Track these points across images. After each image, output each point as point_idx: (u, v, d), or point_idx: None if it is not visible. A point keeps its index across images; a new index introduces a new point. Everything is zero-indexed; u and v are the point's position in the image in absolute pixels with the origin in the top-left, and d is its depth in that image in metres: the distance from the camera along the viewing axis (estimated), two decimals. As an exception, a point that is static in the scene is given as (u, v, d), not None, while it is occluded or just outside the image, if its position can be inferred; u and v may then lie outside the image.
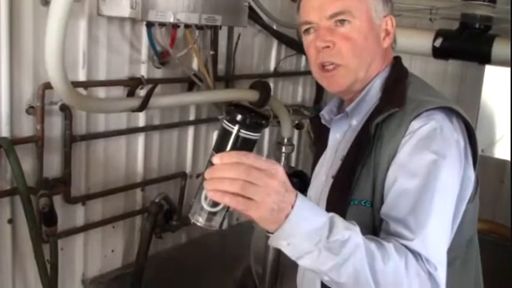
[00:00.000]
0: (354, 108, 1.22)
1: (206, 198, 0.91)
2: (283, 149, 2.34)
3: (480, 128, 2.00)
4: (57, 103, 1.64)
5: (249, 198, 0.86)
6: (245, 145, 0.91)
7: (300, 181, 2.23)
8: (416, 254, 1.00)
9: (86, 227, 1.83)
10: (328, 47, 1.16)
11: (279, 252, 0.99)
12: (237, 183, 0.86)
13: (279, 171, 0.88)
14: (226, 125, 0.92)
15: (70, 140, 1.69)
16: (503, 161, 2.17)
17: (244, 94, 2.12)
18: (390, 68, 1.23)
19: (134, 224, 2.02)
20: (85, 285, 1.86)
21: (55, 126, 1.68)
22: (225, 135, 0.92)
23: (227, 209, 0.91)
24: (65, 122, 1.67)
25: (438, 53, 2.21)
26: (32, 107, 1.59)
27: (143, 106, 1.71)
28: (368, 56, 1.19)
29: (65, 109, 1.66)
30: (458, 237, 1.13)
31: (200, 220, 0.93)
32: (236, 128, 0.91)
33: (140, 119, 1.94)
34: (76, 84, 1.63)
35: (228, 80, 2.24)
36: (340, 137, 1.25)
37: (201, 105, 2.17)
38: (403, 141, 1.09)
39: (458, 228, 1.13)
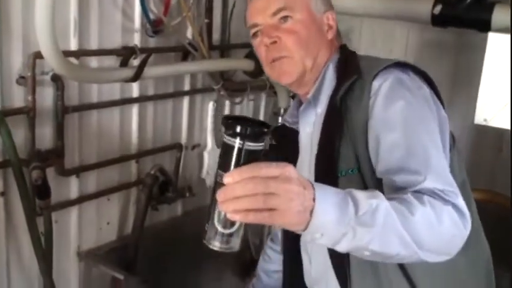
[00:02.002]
0: (315, 94, 1.26)
1: (220, 220, 0.88)
2: (280, 120, 2.31)
3: (482, 98, 1.98)
4: (48, 73, 1.60)
5: (272, 209, 0.82)
6: (251, 157, 0.88)
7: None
8: (434, 192, 1.00)
9: (81, 200, 1.80)
10: (275, 42, 1.22)
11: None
12: (258, 198, 0.81)
13: (292, 172, 0.84)
14: (228, 139, 0.88)
15: (62, 111, 1.65)
16: (502, 130, 2.15)
17: (239, 63, 2.09)
18: (339, 52, 1.30)
19: (129, 196, 1.99)
20: (80, 257, 1.85)
21: (47, 97, 1.64)
22: (227, 150, 0.89)
23: (243, 226, 0.89)
24: (57, 93, 1.63)
25: (437, 20, 2.17)
26: (22, 77, 1.55)
27: (136, 76, 1.67)
28: (314, 47, 1.25)
29: (56, 79, 1.61)
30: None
31: (217, 245, 0.90)
32: (238, 141, 0.88)
33: (134, 90, 1.90)
34: (68, 53, 1.59)
35: (223, 49, 2.19)
36: (310, 129, 1.29)
37: (195, 74, 2.13)
38: (371, 103, 1.14)
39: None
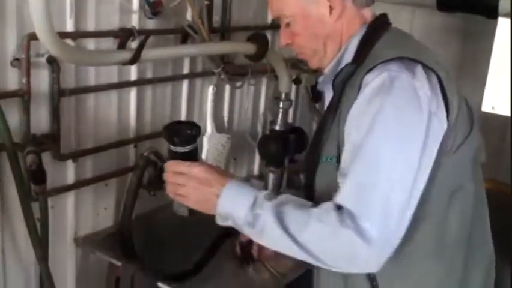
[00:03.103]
0: (331, 70, 1.30)
1: None
2: (281, 105, 2.25)
3: (490, 85, 1.94)
4: (44, 55, 1.55)
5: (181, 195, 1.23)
6: (185, 156, 1.25)
7: (297, 138, 2.18)
8: (351, 212, 1.07)
9: (77, 185, 1.77)
10: (288, 44, 1.34)
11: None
12: (171, 185, 1.27)
13: (197, 173, 1.21)
14: (169, 146, 1.27)
15: (58, 94, 1.60)
16: (506, 118, 2.11)
17: (240, 47, 2.04)
18: (367, 27, 1.28)
19: (127, 181, 1.95)
20: (77, 243, 1.82)
21: (42, 79, 1.59)
22: (170, 153, 1.29)
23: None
24: (52, 75, 1.59)
25: (442, 5, 2.12)
26: (17, 59, 1.50)
27: (135, 59, 1.62)
28: (318, 38, 1.29)
29: (52, 61, 1.57)
30: (430, 191, 1.14)
31: (176, 211, 1.35)
32: (173, 147, 1.27)
33: (132, 73, 1.86)
34: (63, 35, 1.54)
35: (223, 31, 2.14)
36: (327, 103, 1.32)
37: (195, 58, 2.08)
38: (358, 96, 1.15)
39: (429, 182, 1.13)
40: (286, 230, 1.10)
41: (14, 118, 1.53)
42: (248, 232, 1.16)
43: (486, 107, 1.93)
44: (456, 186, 1.20)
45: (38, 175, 1.48)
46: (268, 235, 1.13)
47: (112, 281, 1.73)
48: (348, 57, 1.26)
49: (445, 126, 1.14)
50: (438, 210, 1.19)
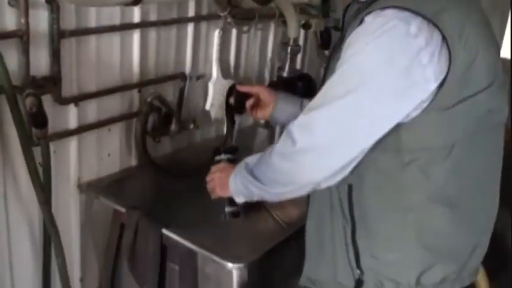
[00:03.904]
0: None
1: None
2: (289, 50, 2.21)
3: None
4: (42, -6, 1.49)
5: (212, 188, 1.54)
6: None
7: (305, 84, 2.13)
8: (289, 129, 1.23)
9: (80, 130, 1.73)
10: None
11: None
12: (208, 183, 1.56)
13: (212, 178, 1.55)
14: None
15: (58, 35, 1.54)
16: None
17: (248, -11, 1.96)
18: None
19: (131, 127, 1.92)
20: (81, 189, 1.79)
21: (42, 20, 1.53)
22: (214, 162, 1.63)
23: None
24: (51, 16, 1.52)
25: None
26: (14, -2, 1.44)
27: (137, -1, 1.56)
28: None
29: (51, 1, 1.50)
30: (413, 141, 1.17)
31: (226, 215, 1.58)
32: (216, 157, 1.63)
33: (135, 14, 1.79)
34: (62, -28, 1.47)
35: (230, -27, 2.05)
36: None
37: (201, 0, 2.00)
38: (351, 35, 1.15)
39: (410, 132, 1.16)
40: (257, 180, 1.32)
41: (12, 60, 1.48)
42: (258, 199, 1.37)
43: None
44: (448, 143, 1.18)
45: (39, 119, 1.44)
46: (258, 194, 1.34)
47: (116, 227, 1.71)
48: None
49: (432, 84, 1.11)
50: (427, 163, 1.19)
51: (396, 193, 1.22)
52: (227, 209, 1.55)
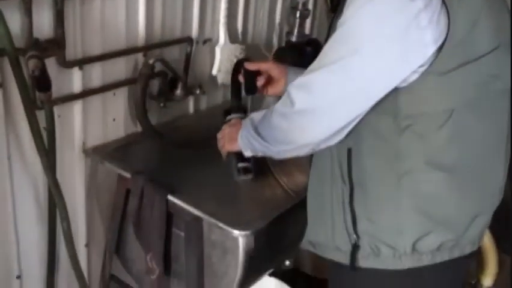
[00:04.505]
0: None
1: None
2: (298, 15, 2.15)
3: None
4: (44, -48, 1.44)
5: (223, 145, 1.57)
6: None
7: (313, 50, 2.08)
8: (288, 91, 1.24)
9: (85, 94, 1.70)
10: None
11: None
12: (218, 140, 1.60)
13: (223, 134, 1.58)
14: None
15: (62, -4, 1.50)
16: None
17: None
18: None
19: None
20: (86, 154, 1.78)
21: (44, -20, 1.49)
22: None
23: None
24: (54, -25, 1.48)
25: None
26: (16, -45, 1.40)
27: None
28: None
29: (54, -40, 1.46)
30: (411, 106, 1.16)
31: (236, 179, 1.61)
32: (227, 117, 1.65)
33: (141, -25, 1.74)
34: None
35: None
36: None
37: (208, -39, 1.96)
38: None
39: (409, 97, 1.15)
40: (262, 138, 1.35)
41: (15, 21, 1.44)
42: (262, 154, 1.41)
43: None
44: (447, 108, 1.16)
45: (42, 81, 1.41)
46: (261, 150, 1.38)
47: (121, 193, 1.70)
48: None
49: (431, 48, 1.09)
50: (424, 128, 1.18)
51: (393, 157, 1.21)
52: (240, 165, 1.55)
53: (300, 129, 1.23)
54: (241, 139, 1.43)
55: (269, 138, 1.32)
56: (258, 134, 1.35)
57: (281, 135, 1.28)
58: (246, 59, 1.78)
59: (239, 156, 1.52)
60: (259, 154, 1.41)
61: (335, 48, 1.16)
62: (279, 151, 1.33)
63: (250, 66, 1.66)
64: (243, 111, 1.65)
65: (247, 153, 1.45)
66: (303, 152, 1.29)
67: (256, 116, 1.40)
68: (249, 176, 1.58)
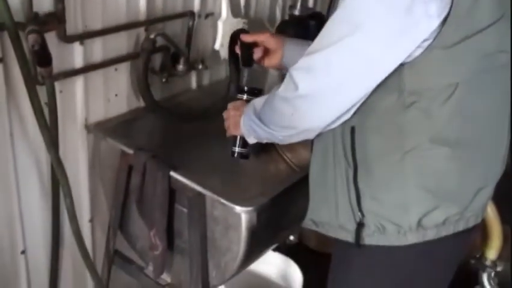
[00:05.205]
0: None
1: None
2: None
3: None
4: None
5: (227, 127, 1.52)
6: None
7: (317, 23, 2.06)
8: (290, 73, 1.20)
9: (86, 69, 1.68)
10: None
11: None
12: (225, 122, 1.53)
13: (227, 116, 1.51)
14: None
15: (62, -32, 1.48)
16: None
17: None
18: None
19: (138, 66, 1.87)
20: (89, 130, 1.77)
21: (43, -48, 1.47)
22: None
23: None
24: None
25: None
26: None
27: None
28: None
29: None
30: (415, 81, 1.14)
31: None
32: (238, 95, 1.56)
33: None
34: None
35: None
36: None
37: None
38: None
39: (413, 72, 1.13)
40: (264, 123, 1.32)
41: (14, -6, 1.42)
42: (267, 141, 1.39)
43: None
44: (452, 82, 1.15)
45: (42, 56, 1.40)
46: (266, 137, 1.35)
47: (124, 170, 1.69)
48: None
49: (435, 21, 1.07)
50: (429, 104, 1.16)
51: (397, 134, 1.19)
52: (237, 150, 1.52)
53: (303, 114, 1.19)
54: (244, 126, 1.40)
55: (273, 124, 1.28)
56: (261, 120, 1.32)
57: (285, 121, 1.24)
58: (242, 29, 1.75)
59: (241, 140, 1.50)
60: (264, 141, 1.39)
61: (336, 27, 1.12)
62: (284, 136, 1.29)
63: (247, 38, 1.60)
64: (257, 94, 1.53)
65: (251, 140, 1.44)
66: (309, 136, 1.27)
67: (258, 102, 1.36)
68: (245, 160, 1.56)
